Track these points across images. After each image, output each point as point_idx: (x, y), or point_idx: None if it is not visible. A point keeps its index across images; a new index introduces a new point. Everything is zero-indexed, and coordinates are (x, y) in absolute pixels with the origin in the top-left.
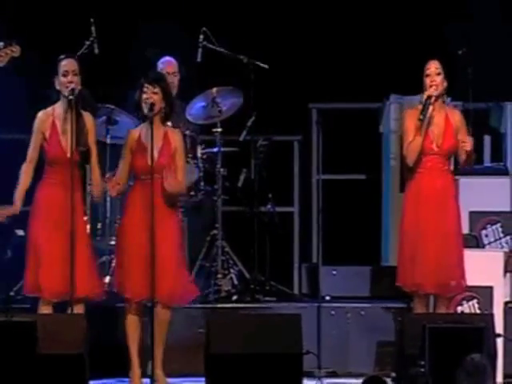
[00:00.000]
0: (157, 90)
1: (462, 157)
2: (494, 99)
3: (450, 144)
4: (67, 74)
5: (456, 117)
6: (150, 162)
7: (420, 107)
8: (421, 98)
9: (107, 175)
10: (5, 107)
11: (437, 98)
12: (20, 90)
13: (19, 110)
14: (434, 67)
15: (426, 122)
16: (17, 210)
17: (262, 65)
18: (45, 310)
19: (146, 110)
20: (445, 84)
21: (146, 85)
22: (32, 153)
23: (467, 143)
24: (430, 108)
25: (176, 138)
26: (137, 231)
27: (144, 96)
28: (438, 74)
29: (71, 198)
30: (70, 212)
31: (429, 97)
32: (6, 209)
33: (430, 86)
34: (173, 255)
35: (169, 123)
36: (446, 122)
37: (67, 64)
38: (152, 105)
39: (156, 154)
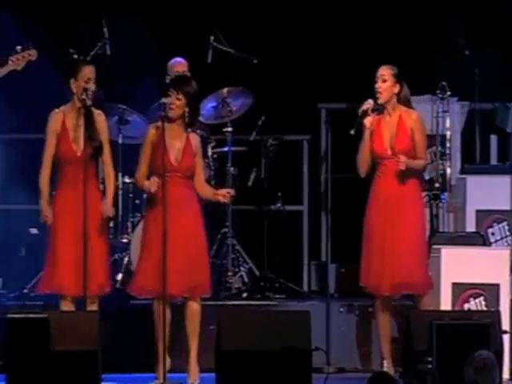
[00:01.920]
0: (180, 96)
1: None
2: (500, 99)
3: (403, 146)
4: (89, 81)
5: (411, 118)
6: (172, 162)
7: (370, 116)
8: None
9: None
10: (19, 108)
11: (385, 104)
12: (33, 91)
13: (33, 110)
14: (380, 73)
15: (368, 133)
16: (49, 221)
17: (271, 67)
18: (66, 307)
19: (169, 113)
20: (395, 89)
21: (171, 89)
22: (48, 156)
23: (401, 163)
24: (369, 119)
25: (196, 141)
26: (161, 230)
27: (168, 100)
28: (384, 80)
29: (84, 197)
30: (83, 210)
31: (364, 111)
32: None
33: (376, 93)
34: (196, 249)
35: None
36: (399, 125)
37: (90, 72)
38: (164, 104)
39: (180, 155)
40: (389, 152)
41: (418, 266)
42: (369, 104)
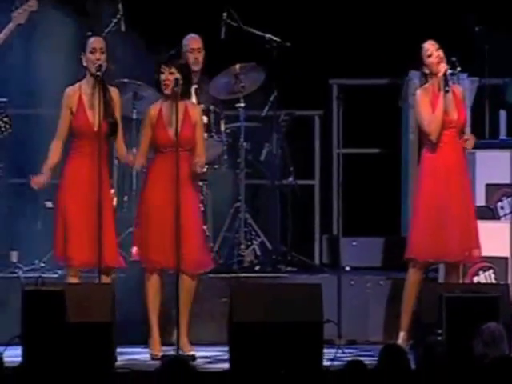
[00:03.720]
0: (172, 70)
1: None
2: (510, 75)
3: (464, 116)
4: (95, 51)
5: (459, 92)
6: (172, 136)
7: (428, 85)
8: (421, 78)
9: (130, 151)
10: (33, 84)
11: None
12: (48, 67)
13: (47, 86)
14: (431, 45)
15: (449, 95)
16: (44, 180)
17: (283, 43)
18: (72, 280)
19: (166, 91)
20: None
21: (163, 66)
22: (61, 130)
23: (470, 141)
24: (450, 81)
25: (196, 112)
26: (160, 202)
27: (162, 77)
28: (437, 49)
29: (98, 171)
30: (97, 184)
31: (445, 72)
32: (38, 177)
33: (438, 63)
34: (196, 225)
35: (193, 99)
36: (454, 96)
37: (95, 42)
38: (166, 86)
39: (179, 129)
40: (454, 122)
41: (478, 235)
42: (445, 66)
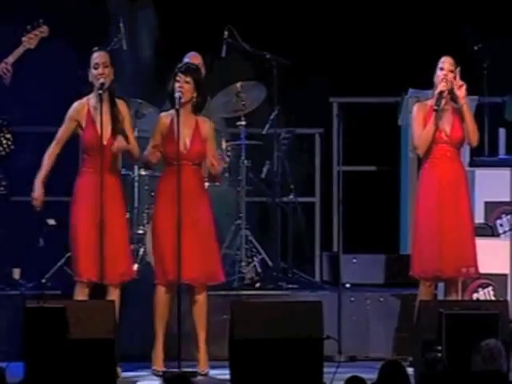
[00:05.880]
0: (188, 79)
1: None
2: (509, 93)
3: (459, 134)
4: (98, 66)
5: (461, 111)
6: (181, 150)
7: (429, 102)
8: (432, 92)
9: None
10: (37, 101)
11: (449, 92)
12: (52, 85)
13: (51, 104)
14: (448, 63)
15: (440, 114)
16: (40, 195)
17: (284, 61)
18: (81, 294)
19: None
20: (458, 82)
21: (179, 74)
22: (60, 135)
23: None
24: (443, 101)
25: (206, 126)
26: (172, 217)
27: (176, 85)
28: (451, 70)
29: (103, 184)
30: (107, 198)
31: (441, 91)
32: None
33: (442, 80)
34: (208, 237)
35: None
36: (453, 114)
37: (98, 57)
38: (179, 98)
39: (188, 142)
40: (444, 137)
41: (475, 251)
42: (445, 86)
